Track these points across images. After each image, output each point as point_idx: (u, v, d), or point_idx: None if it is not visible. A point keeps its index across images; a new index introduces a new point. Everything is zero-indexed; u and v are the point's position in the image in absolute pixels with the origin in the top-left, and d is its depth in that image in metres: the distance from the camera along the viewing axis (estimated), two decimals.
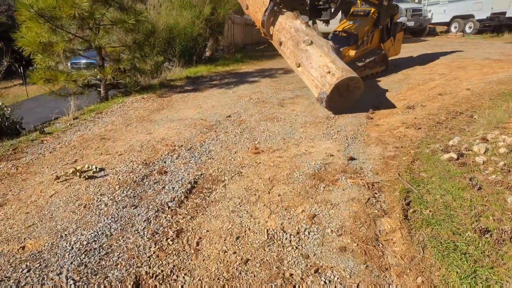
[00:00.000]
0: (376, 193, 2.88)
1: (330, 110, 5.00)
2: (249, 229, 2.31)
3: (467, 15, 16.26)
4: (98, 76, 5.71)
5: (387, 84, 6.63)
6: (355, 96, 5.07)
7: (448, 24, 17.02)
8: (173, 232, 2.23)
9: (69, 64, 8.12)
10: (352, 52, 6.62)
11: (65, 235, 2.24)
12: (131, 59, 5.98)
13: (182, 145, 3.85)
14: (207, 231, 2.28)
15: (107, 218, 2.40)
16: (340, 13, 7.63)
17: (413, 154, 3.60)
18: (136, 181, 2.95)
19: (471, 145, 3.64)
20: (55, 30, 5.18)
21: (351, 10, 7.34)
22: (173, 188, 2.81)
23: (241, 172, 3.14)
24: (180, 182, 2.91)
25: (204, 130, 4.37)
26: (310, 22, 6.30)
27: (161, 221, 2.37)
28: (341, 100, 4.93)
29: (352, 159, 3.53)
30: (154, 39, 6.37)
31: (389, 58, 7.55)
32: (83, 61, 8.42)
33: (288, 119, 4.81)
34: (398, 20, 7.61)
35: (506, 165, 3.18)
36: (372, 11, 6.99)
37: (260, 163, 3.37)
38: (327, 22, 6.66)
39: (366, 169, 3.33)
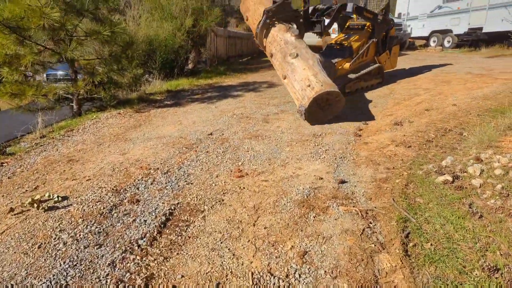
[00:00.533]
0: (371, 223, 2.63)
1: (310, 122, 5.01)
2: (231, 272, 2.01)
3: (445, 29, 16.61)
4: (70, 90, 5.33)
5: (372, 99, 6.50)
6: (337, 110, 5.05)
7: (427, 38, 17.37)
8: (141, 280, 1.90)
9: (44, 75, 7.69)
10: (346, 65, 6.68)
11: (11, 286, 1.88)
12: (107, 72, 5.64)
13: (158, 168, 3.52)
14: (182, 276, 1.96)
15: (64, 262, 2.05)
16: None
17: (406, 176, 3.38)
18: (103, 212, 2.60)
19: (466, 166, 3.47)
20: (22, 42, 4.81)
21: (347, 23, 7.42)
22: (145, 221, 2.48)
23: (222, 200, 2.84)
24: (153, 213, 2.58)
25: (183, 150, 4.06)
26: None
27: (128, 264, 2.03)
28: (322, 113, 4.97)
29: (342, 182, 3.29)
30: (132, 51, 6.06)
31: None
32: (60, 72, 8.00)
33: (273, 136, 4.55)
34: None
35: (504, 188, 3.00)
36: (367, 25, 7.08)
37: (244, 188, 3.08)
38: (320, 34, 6.83)
39: (358, 194, 3.08)
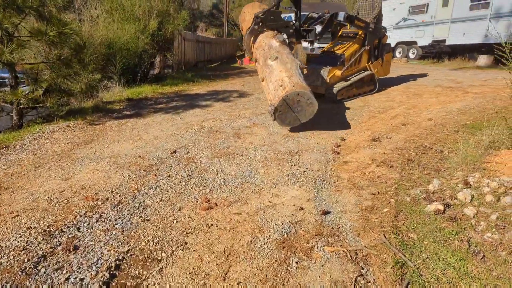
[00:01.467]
0: (363, 268, 2.22)
1: (282, 125, 4.97)
2: None
3: (410, 41, 17.00)
4: (8, 99, 4.59)
5: (347, 111, 6.23)
6: (309, 115, 4.94)
7: (393, 49, 17.70)
8: None
9: None
10: (338, 72, 6.87)
11: None
12: (55, 78, 4.94)
13: (108, 198, 2.94)
14: None
15: None
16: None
17: (394, 204, 3.04)
18: (26, 268, 2.00)
19: (455, 191, 3.19)
20: None
21: (340, 31, 7.47)
22: (82, 280, 1.92)
23: (185, 243, 2.32)
24: (94, 267, 2.02)
25: (140, 173, 3.49)
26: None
27: None
28: (293, 115, 4.90)
29: (326, 213, 2.87)
30: (85, 54, 5.39)
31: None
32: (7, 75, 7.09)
33: (246, 155, 4.09)
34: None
35: (499, 219, 2.72)
36: (359, 33, 7.20)
37: (213, 225, 2.58)
38: (311, 42, 6.98)
39: (345, 228, 2.68)
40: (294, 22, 6.47)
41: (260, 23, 6.04)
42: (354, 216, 2.86)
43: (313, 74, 7.10)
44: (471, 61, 13.06)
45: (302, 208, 2.91)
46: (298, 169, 3.76)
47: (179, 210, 2.79)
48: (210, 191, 3.15)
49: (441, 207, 2.91)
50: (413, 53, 16.77)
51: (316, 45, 11.17)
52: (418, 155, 4.16)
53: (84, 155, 4.00)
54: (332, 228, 2.68)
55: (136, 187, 3.17)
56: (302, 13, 6.61)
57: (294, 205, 2.97)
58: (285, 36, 6.20)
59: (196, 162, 3.80)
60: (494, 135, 4.19)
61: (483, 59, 12.22)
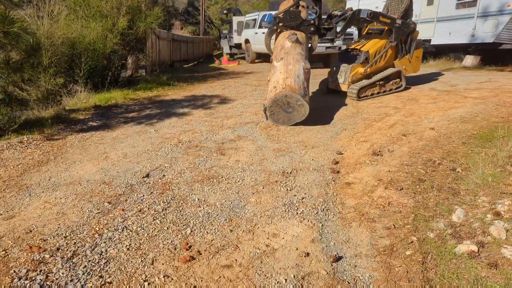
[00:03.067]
0: None
1: (276, 123, 5.17)
2: None
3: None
4: None
5: (340, 119, 5.71)
6: (302, 115, 5.08)
7: None
8: None
9: None
10: (361, 69, 6.83)
11: None
12: (3, 86, 4.15)
13: (59, 248, 2.26)
14: None
15: None
16: None
17: (417, 243, 2.50)
18: None
19: (485, 224, 2.70)
20: None
21: (367, 28, 7.34)
22: None
23: None
24: None
25: (104, 207, 2.81)
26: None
27: None
28: (286, 115, 5.09)
29: (337, 259, 2.31)
30: (42, 57, 4.61)
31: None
32: None
33: (232, 177, 3.47)
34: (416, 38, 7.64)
35: None
36: (386, 29, 7.02)
37: (195, 287, 1.96)
38: (332, 41, 7.14)
39: (364, 282, 2.12)
40: (315, 20, 6.42)
41: (279, 24, 6.19)
42: (372, 262, 2.31)
43: (337, 71, 7.13)
44: (457, 62, 12.89)
45: (307, 254, 2.33)
46: (295, 195, 3.19)
47: (152, 263, 2.15)
48: (191, 231, 2.51)
49: (475, 248, 2.41)
50: None
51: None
52: (428, 173, 3.66)
53: (36, 181, 3.27)
54: (349, 283, 2.12)
55: (97, 228, 2.49)
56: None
57: (297, 249, 2.39)
58: (300, 35, 6.16)
59: (174, 190, 3.15)
60: (510, 149, 3.77)
61: (470, 60, 12.02)
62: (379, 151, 4.31)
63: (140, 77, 9.88)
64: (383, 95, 7.20)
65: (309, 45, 6.70)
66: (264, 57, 15.73)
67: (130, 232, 2.46)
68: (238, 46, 17.27)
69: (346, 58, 7.19)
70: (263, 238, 2.49)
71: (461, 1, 11.94)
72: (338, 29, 7.05)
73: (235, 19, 17.45)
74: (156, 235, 2.45)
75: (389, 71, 7.19)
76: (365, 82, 6.88)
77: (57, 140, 4.47)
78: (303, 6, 6.52)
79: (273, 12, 13.64)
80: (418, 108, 6.24)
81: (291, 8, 6.19)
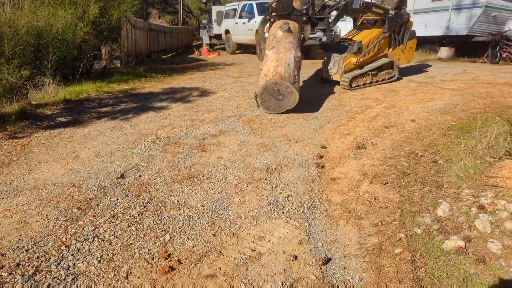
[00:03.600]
0: None
1: (267, 111, 5.31)
2: None
3: None
4: None
5: (323, 112, 5.61)
6: (292, 102, 5.21)
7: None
8: None
9: None
10: (353, 60, 6.89)
11: None
12: None
13: (19, 263, 2.03)
14: None
15: None
16: None
17: (405, 241, 2.43)
18: None
19: (470, 218, 2.68)
20: None
21: (361, 18, 7.36)
22: None
23: None
24: None
25: (73, 214, 2.58)
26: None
27: None
28: (277, 103, 5.24)
29: (326, 261, 2.20)
30: (0, 47, 4.24)
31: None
32: None
33: (214, 176, 3.30)
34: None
35: None
36: (379, 20, 7.16)
37: None
38: (324, 31, 7.80)
39: (354, 285, 2.03)
40: (307, 10, 6.46)
41: (272, 13, 6.30)
42: (362, 263, 2.22)
43: (330, 61, 7.24)
44: (432, 53, 13.05)
45: (295, 258, 2.21)
46: (280, 192, 3.06)
47: (127, 277, 1.97)
48: (170, 238, 2.34)
49: (462, 243, 2.37)
50: None
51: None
52: (411, 166, 3.61)
53: None
54: (339, 287, 2.02)
55: (64, 239, 2.28)
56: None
57: (284, 252, 2.27)
58: (292, 25, 6.26)
59: (151, 191, 2.95)
60: (489, 141, 3.77)
61: (444, 51, 12.19)
62: (363, 144, 4.24)
63: (114, 68, 9.45)
64: (376, 85, 7.26)
65: (302, 35, 6.73)
66: (245, 48, 15.46)
67: (102, 242, 2.26)
68: (218, 36, 16.87)
69: (338, 48, 7.25)
70: (248, 241, 2.34)
71: None
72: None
73: (215, 9, 17.01)
74: (131, 243, 2.26)
75: (382, 61, 7.22)
76: (357, 72, 6.95)
77: (21, 139, 4.14)
78: None
79: (253, 2, 13.41)
80: (398, 100, 6.22)
81: None
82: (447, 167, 3.54)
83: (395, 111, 5.53)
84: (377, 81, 7.33)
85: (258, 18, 12.33)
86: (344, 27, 17.31)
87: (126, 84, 7.70)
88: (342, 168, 3.64)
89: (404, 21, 7.22)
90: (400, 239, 2.46)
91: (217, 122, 4.94)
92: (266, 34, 6.85)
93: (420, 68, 9.82)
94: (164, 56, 15.31)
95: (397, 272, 2.14)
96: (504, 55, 10.92)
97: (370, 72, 7.13)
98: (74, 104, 5.80)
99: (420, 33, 13.21)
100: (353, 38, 7.12)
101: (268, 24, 6.68)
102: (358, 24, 7.46)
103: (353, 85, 6.97)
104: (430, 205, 2.88)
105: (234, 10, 14.45)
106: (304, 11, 6.40)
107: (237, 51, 15.48)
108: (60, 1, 6.82)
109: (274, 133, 4.58)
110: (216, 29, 16.78)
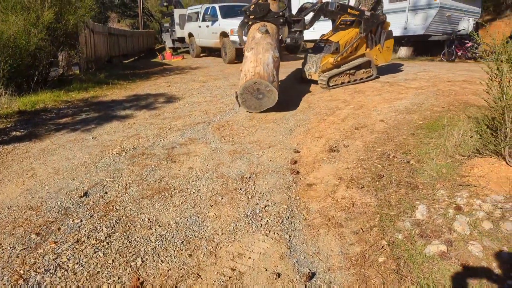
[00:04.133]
0: None
1: (248, 110, 5.45)
2: None
3: None
4: None
5: (293, 114, 5.57)
6: (272, 101, 5.36)
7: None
8: None
9: None
10: (331, 59, 7.03)
11: None
12: None
13: None
14: None
15: None
16: None
17: (388, 248, 2.40)
18: None
19: (448, 220, 2.68)
20: None
21: (339, 19, 7.50)
22: None
23: None
24: None
25: (31, 241, 2.33)
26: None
27: None
28: (257, 102, 5.37)
29: (310, 277, 2.11)
30: None
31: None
32: None
33: (186, 188, 3.13)
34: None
35: (509, 255, 2.25)
36: (356, 20, 7.34)
37: None
38: (300, 32, 7.18)
39: None
40: (284, 12, 6.63)
41: (250, 16, 6.47)
42: (347, 275, 2.15)
43: (309, 61, 7.42)
44: (392, 53, 13.48)
45: (279, 275, 2.09)
46: (257, 203, 2.94)
47: None
48: (142, 262, 2.15)
49: (444, 248, 2.36)
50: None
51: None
52: (385, 168, 3.62)
53: None
54: None
55: (22, 271, 2.03)
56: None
57: (266, 269, 2.15)
58: (270, 27, 6.44)
59: (118, 210, 2.74)
60: (456, 139, 3.85)
61: (404, 51, 12.63)
62: (335, 146, 4.22)
63: (73, 75, 8.95)
64: (355, 84, 7.46)
65: (280, 36, 6.90)
66: (210, 51, 15.25)
67: (65, 272, 2.04)
68: (182, 39, 16.54)
69: (317, 48, 7.44)
70: (227, 260, 2.21)
71: None
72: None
73: (177, 12, 16.66)
74: (98, 272, 2.05)
75: (359, 60, 7.40)
76: (335, 71, 7.14)
77: None
78: None
79: (217, 5, 13.24)
80: (366, 100, 6.29)
81: (260, 1, 6.41)
82: (420, 167, 3.57)
83: (364, 112, 5.58)
84: (355, 80, 7.52)
85: (221, 21, 12.17)
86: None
87: (86, 92, 7.28)
88: (317, 173, 3.59)
89: (380, 21, 7.44)
90: (382, 246, 2.42)
91: (185, 130, 4.75)
92: (245, 38, 6.95)
93: (382, 68, 10.09)
94: (126, 61, 14.80)
95: (383, 283, 2.09)
96: (459, 53, 11.46)
97: (348, 72, 7.32)
98: (29, 116, 5.38)
99: None
100: (330, 39, 7.28)
101: (246, 27, 6.85)
102: (337, 25, 7.64)
103: (331, 84, 7.14)
104: (408, 208, 2.87)
105: (197, 13, 14.21)
106: (280, 13, 6.57)
107: (201, 55, 15.24)
108: (11, 6, 6.32)
109: (245, 139, 4.46)
110: (179, 33, 16.45)
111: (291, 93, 7.01)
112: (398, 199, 3.02)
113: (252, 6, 6.40)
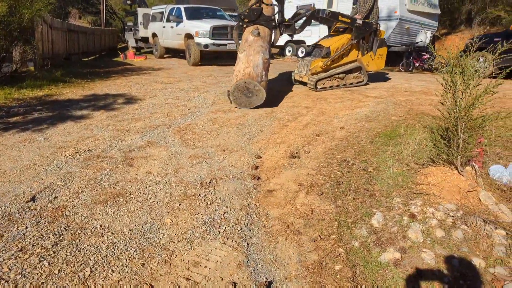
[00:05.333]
0: None
1: (239, 107, 6.04)
2: None
3: (299, 40, 17.47)
4: None
5: (256, 120, 5.57)
6: (260, 99, 6.00)
7: (283, 47, 17.88)
8: None
9: None
10: (320, 63, 7.45)
11: None
12: None
13: None
14: None
15: None
16: None
17: (345, 256, 2.43)
18: None
19: (403, 228, 2.77)
20: None
21: (335, 26, 7.76)
22: None
23: None
24: None
25: None
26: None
27: None
28: (247, 100, 5.99)
29: (267, 286, 2.09)
30: None
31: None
32: None
33: (143, 194, 3.01)
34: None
35: (459, 262, 2.36)
36: (349, 27, 7.67)
37: None
38: (291, 36, 7.66)
39: None
40: (276, 17, 7.10)
41: (245, 20, 6.96)
42: (303, 284, 2.16)
43: (301, 64, 7.99)
44: None
45: (235, 285, 2.06)
46: (216, 209, 2.90)
47: None
48: (91, 272, 2.04)
49: (398, 255, 2.43)
50: (302, 52, 17.25)
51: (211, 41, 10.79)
52: (344, 175, 3.70)
53: None
54: None
55: None
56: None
57: (222, 279, 2.11)
58: (262, 30, 6.90)
59: (68, 216, 2.58)
60: (412, 148, 4.02)
61: None
62: (296, 153, 4.26)
63: (27, 72, 8.43)
64: (344, 87, 7.92)
65: (272, 39, 7.38)
66: (174, 52, 15.00)
67: (6, 284, 1.88)
68: (145, 39, 16.12)
69: (310, 52, 7.97)
70: (182, 269, 2.14)
71: (356, 6, 12.95)
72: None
73: (140, 11, 16.23)
74: (43, 283, 1.91)
75: (349, 66, 7.81)
76: (323, 74, 7.57)
77: None
78: (266, 4, 7.18)
79: (182, 6, 13.05)
80: (327, 107, 6.44)
81: (254, 6, 6.99)
82: (377, 174, 3.68)
83: (325, 119, 5.70)
84: (344, 84, 7.93)
85: (186, 23, 12.01)
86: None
87: (40, 90, 6.88)
88: (277, 179, 3.60)
89: (373, 29, 7.75)
90: (339, 254, 2.45)
91: (145, 132, 4.60)
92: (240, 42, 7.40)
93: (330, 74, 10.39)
94: (86, 59, 14.20)
95: None
96: (417, 64, 12.07)
97: (337, 76, 7.74)
98: None
99: None
100: (321, 43, 7.72)
101: (240, 30, 7.37)
102: (332, 31, 8.00)
103: (319, 87, 7.57)
104: (365, 215, 2.94)
105: (162, 13, 13.94)
106: (272, 17, 7.05)
107: (165, 56, 14.95)
108: None
109: (207, 143, 4.40)
110: (143, 32, 16.03)
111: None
112: (356, 206, 3.09)
113: (247, 11, 6.98)
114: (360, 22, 7.52)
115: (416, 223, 2.76)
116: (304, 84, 7.97)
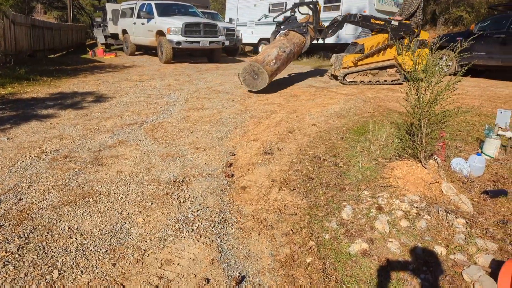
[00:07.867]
0: None
1: (248, 88, 7.01)
2: None
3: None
4: None
5: (230, 118, 5.58)
6: (264, 82, 6.84)
7: (256, 45, 17.89)
8: None
9: None
10: (352, 58, 8.01)
11: None
12: None
13: None
14: None
15: None
16: None
17: (316, 248, 2.50)
18: None
19: (370, 219, 2.87)
20: None
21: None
22: None
23: None
24: None
25: None
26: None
27: None
28: (254, 81, 6.85)
29: (240, 280, 2.12)
30: None
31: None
32: None
33: (113, 194, 2.96)
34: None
35: (423, 251, 2.48)
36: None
37: None
38: (323, 39, 8.35)
39: None
40: (306, 24, 7.80)
41: (280, 26, 7.90)
42: (276, 277, 2.19)
43: (336, 60, 8.51)
44: (326, 60, 14.18)
45: (208, 281, 2.07)
46: (189, 207, 2.89)
47: None
48: (60, 275, 1.99)
49: (366, 246, 2.52)
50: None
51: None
52: (315, 170, 3.78)
53: None
54: None
55: None
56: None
57: (195, 275, 2.11)
58: (291, 34, 7.69)
59: (34, 218, 2.49)
60: (379, 143, 4.16)
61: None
62: (270, 149, 4.31)
63: None
64: (377, 84, 8.26)
65: (303, 43, 8.05)
66: (145, 50, 14.68)
67: None
68: (115, 36, 15.65)
69: (346, 48, 8.58)
70: (155, 268, 2.13)
71: (328, 5, 13.18)
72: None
73: (109, 6, 15.73)
74: None
75: (381, 64, 8.16)
76: (353, 69, 8.09)
77: None
78: (300, 13, 8.18)
79: (152, 2, 12.75)
80: (300, 104, 6.53)
81: (289, 15, 7.96)
82: (347, 169, 3.79)
83: (298, 116, 5.79)
84: (377, 81, 8.29)
85: (158, 19, 11.77)
86: (245, 31, 17.75)
87: (3, 88, 6.55)
88: (251, 176, 3.63)
89: (410, 30, 8.05)
90: (310, 247, 2.51)
91: (115, 131, 4.50)
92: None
93: (317, 73, 10.57)
94: (52, 56, 13.66)
95: (310, 283, 2.16)
96: None
97: (369, 71, 8.19)
98: None
99: (315, 41, 14.30)
100: (357, 41, 8.33)
101: (275, 35, 8.13)
102: (372, 32, 8.55)
103: (348, 80, 8.17)
104: (335, 209, 3.02)
105: (132, 9, 13.57)
106: (304, 24, 7.76)
107: (136, 53, 14.61)
108: None
109: (180, 141, 4.37)
110: (112, 29, 15.56)
111: (225, 96, 7.02)
112: (326, 200, 3.17)
113: (283, 19, 7.91)
114: (396, 23, 7.91)
115: (383, 214, 2.87)
116: (337, 78, 8.48)
